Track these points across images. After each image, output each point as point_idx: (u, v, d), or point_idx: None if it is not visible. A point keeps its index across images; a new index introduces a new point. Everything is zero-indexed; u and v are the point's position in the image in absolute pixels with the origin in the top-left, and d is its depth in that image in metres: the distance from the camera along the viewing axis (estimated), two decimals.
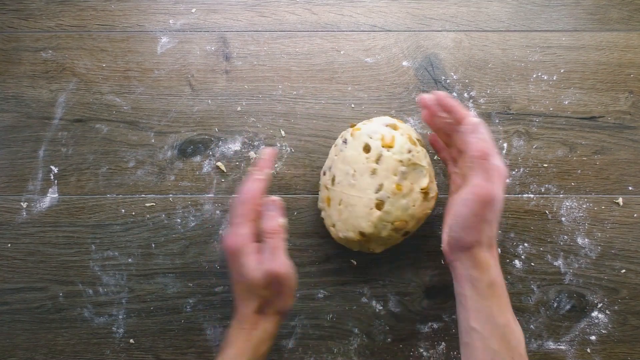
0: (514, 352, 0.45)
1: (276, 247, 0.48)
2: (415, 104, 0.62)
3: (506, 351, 0.44)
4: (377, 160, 0.52)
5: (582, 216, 0.61)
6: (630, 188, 0.61)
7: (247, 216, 0.48)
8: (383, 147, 0.52)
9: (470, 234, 0.46)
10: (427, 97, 0.52)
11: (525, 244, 0.60)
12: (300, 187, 0.61)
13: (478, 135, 0.47)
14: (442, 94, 0.51)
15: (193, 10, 0.63)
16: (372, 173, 0.52)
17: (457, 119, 0.50)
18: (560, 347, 0.59)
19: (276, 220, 0.48)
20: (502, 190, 0.46)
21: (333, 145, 0.57)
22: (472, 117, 0.49)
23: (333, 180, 0.55)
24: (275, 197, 0.50)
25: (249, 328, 0.48)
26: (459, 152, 0.52)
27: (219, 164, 0.61)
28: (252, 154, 0.55)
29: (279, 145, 0.61)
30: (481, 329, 0.45)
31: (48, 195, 0.60)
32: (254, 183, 0.49)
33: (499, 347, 0.44)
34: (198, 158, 0.61)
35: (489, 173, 0.46)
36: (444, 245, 0.50)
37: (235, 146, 0.61)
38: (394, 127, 0.54)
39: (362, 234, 0.53)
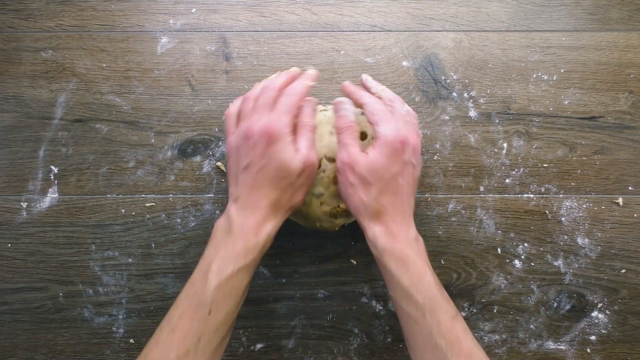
0: (423, 308, 0.45)
1: (312, 139, 0.49)
2: (415, 104, 0.62)
3: (416, 310, 0.45)
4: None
5: (582, 216, 0.61)
6: (630, 188, 0.61)
7: (292, 109, 0.48)
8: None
9: (348, 203, 0.49)
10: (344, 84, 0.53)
11: (525, 244, 0.60)
12: None
13: (339, 112, 0.51)
14: (345, 83, 0.53)
15: (193, 10, 0.63)
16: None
17: (357, 104, 0.52)
18: (560, 347, 0.59)
19: (312, 117, 0.50)
20: (350, 155, 0.48)
21: None
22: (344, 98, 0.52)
23: None
24: (311, 97, 0.51)
25: (262, 220, 0.47)
26: None
27: (218, 164, 0.61)
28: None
29: None
30: (394, 295, 0.47)
31: (48, 195, 0.60)
32: (304, 86, 0.49)
33: (409, 307, 0.46)
34: (198, 158, 0.61)
35: (340, 142, 0.49)
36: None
37: None
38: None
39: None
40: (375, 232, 0.47)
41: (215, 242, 0.47)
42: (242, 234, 0.46)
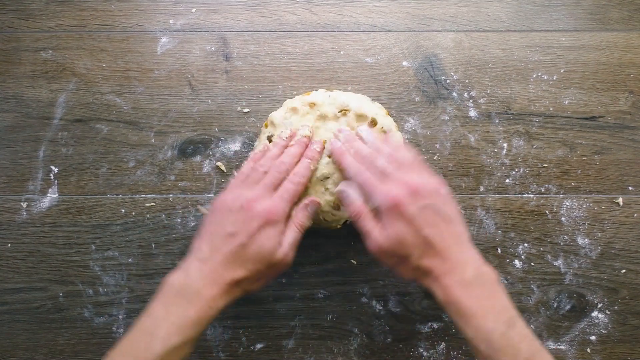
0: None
1: (297, 240, 0.50)
2: (415, 104, 0.62)
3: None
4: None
5: (582, 216, 0.61)
6: (630, 188, 0.61)
7: (294, 198, 0.50)
8: None
9: (397, 270, 0.48)
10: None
11: (525, 244, 0.60)
12: None
13: (345, 201, 0.50)
14: (333, 144, 0.53)
15: (193, 10, 0.63)
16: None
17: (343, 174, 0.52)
18: (560, 347, 0.59)
19: (307, 218, 0.51)
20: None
21: None
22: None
23: None
24: (315, 198, 0.52)
25: (220, 293, 0.45)
26: None
27: (219, 164, 0.61)
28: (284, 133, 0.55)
29: None
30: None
31: (48, 195, 0.60)
32: (308, 169, 0.51)
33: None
34: (198, 158, 0.61)
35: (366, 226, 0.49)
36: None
37: (235, 146, 0.61)
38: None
39: None
40: (436, 292, 0.45)
41: (165, 300, 0.45)
42: (197, 302, 0.44)
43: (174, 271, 0.47)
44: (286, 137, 0.53)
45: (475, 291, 0.44)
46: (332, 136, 0.54)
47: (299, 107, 0.56)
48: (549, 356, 0.43)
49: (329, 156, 0.54)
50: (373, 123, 0.55)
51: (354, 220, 0.49)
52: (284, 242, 0.48)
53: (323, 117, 0.55)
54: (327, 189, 0.54)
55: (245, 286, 0.48)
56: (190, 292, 0.45)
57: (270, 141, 0.56)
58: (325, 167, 0.54)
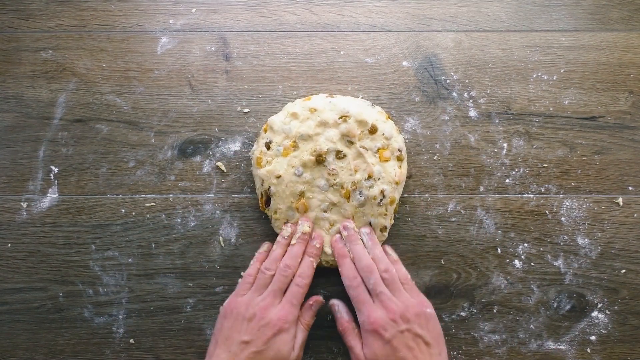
0: None
1: (305, 339, 0.53)
2: (415, 104, 0.62)
3: None
4: None
5: (582, 216, 0.61)
6: (630, 188, 0.61)
7: (301, 299, 0.53)
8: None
9: None
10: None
11: (525, 244, 0.60)
12: None
13: (336, 315, 0.56)
14: (336, 247, 0.56)
15: (193, 10, 0.63)
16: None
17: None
18: (560, 347, 0.59)
19: (313, 317, 0.55)
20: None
21: None
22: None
23: None
24: (319, 297, 0.56)
25: None
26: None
27: (219, 164, 0.61)
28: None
29: None
30: None
31: (48, 195, 0.60)
32: (312, 269, 0.55)
33: None
34: (198, 158, 0.61)
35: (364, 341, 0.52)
36: None
37: (235, 146, 0.61)
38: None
39: None
40: None
41: None
42: None
43: None
44: (287, 236, 0.56)
45: None
46: (332, 145, 0.55)
47: (299, 112, 0.56)
48: None
49: (332, 185, 0.56)
50: (373, 129, 0.56)
51: (341, 335, 0.54)
52: (295, 346, 0.52)
53: (323, 124, 0.56)
54: (332, 225, 0.57)
55: None
56: None
57: (268, 148, 0.56)
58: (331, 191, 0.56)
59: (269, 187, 0.56)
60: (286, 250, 0.56)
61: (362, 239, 0.56)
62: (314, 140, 0.56)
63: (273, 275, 0.54)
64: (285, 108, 0.58)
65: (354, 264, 0.55)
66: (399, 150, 0.57)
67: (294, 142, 0.56)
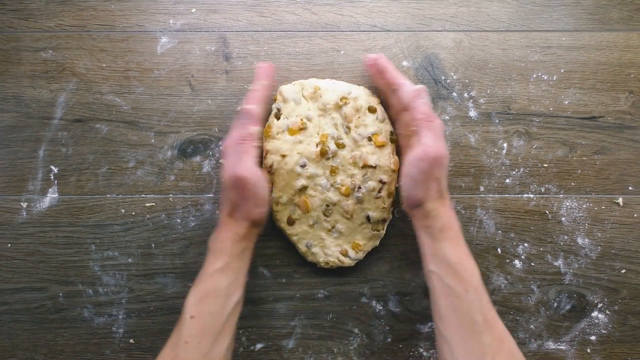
0: (468, 284, 0.47)
1: (244, 152, 0.52)
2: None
3: (460, 285, 0.47)
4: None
5: (582, 216, 0.61)
6: (630, 188, 0.61)
7: (242, 123, 0.53)
8: None
9: (420, 191, 0.51)
10: (371, 56, 0.57)
11: (525, 244, 0.60)
12: None
13: (422, 99, 0.53)
14: (379, 56, 0.56)
15: (193, 10, 0.63)
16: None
17: (389, 82, 0.55)
18: (560, 347, 0.59)
19: (247, 128, 0.52)
20: (446, 147, 0.51)
21: None
22: (411, 85, 0.54)
23: None
24: (250, 106, 0.53)
25: (223, 231, 0.51)
26: (396, 112, 0.57)
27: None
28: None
29: None
30: (437, 270, 0.49)
31: (48, 195, 0.60)
32: (252, 92, 0.54)
33: (454, 282, 0.48)
34: (198, 158, 0.61)
35: (435, 133, 0.51)
36: (403, 203, 0.53)
37: None
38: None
39: None
40: (440, 211, 0.50)
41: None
42: (214, 242, 0.52)
43: None
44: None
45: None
46: (333, 129, 0.57)
47: (306, 85, 0.58)
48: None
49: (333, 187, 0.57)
50: (372, 109, 0.57)
51: (427, 119, 0.52)
52: (233, 162, 0.52)
53: (324, 108, 0.57)
54: (333, 227, 0.57)
55: (237, 215, 0.51)
56: (210, 238, 0.53)
57: (277, 117, 0.57)
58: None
59: (272, 163, 0.56)
60: None
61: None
62: (317, 124, 0.57)
63: None
64: (295, 82, 0.59)
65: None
66: (391, 132, 0.58)
67: (302, 121, 0.57)
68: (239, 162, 0.51)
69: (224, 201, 0.52)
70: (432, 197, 0.50)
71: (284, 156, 0.56)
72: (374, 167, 0.56)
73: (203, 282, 0.49)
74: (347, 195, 0.56)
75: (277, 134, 0.56)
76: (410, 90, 0.53)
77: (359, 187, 0.56)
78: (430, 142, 0.50)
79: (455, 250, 0.49)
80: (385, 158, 0.56)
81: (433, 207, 0.50)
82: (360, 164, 0.56)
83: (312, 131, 0.57)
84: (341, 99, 0.57)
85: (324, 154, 0.56)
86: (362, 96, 0.58)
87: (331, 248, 0.57)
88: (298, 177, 0.56)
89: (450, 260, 0.48)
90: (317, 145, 0.56)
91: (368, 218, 0.57)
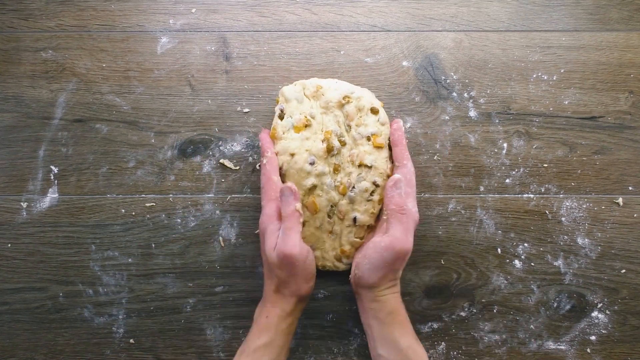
0: None
1: (290, 228, 0.50)
2: (415, 104, 0.62)
3: None
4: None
5: (582, 216, 0.61)
6: (630, 188, 0.61)
7: (269, 197, 0.53)
8: None
9: (375, 277, 0.51)
10: (395, 125, 0.57)
11: (525, 244, 0.60)
12: None
13: (398, 190, 0.53)
14: (399, 127, 0.56)
15: (193, 10, 0.63)
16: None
17: (394, 156, 0.56)
18: (560, 347, 0.59)
19: (292, 205, 0.51)
20: (411, 242, 0.51)
21: None
22: (410, 167, 0.54)
23: None
24: (290, 183, 0.52)
25: (269, 306, 0.52)
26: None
27: (225, 161, 0.61)
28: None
29: None
30: (387, 354, 0.50)
31: (48, 195, 0.60)
32: (264, 167, 0.54)
33: None
34: (198, 158, 0.61)
35: (405, 227, 0.51)
36: (351, 277, 0.54)
37: (235, 146, 0.61)
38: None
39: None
40: (389, 297, 0.52)
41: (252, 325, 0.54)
42: (259, 318, 0.52)
43: None
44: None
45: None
46: (335, 126, 0.57)
47: (307, 85, 0.58)
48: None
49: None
50: (375, 110, 0.57)
51: (398, 211, 0.52)
52: (278, 240, 0.51)
53: (326, 106, 0.57)
54: (331, 231, 0.57)
55: (284, 291, 0.52)
56: (256, 312, 0.54)
57: (281, 118, 0.57)
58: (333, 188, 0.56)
59: (282, 164, 0.56)
60: None
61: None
62: (320, 121, 0.57)
63: None
64: (297, 82, 0.59)
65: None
66: (389, 138, 0.57)
67: (307, 118, 0.56)
68: (287, 239, 0.50)
69: (270, 276, 0.52)
70: (385, 285, 0.52)
71: (293, 155, 0.56)
72: (370, 167, 0.56)
73: (246, 356, 0.50)
74: (343, 194, 0.56)
75: (283, 133, 0.56)
76: (390, 179, 0.54)
77: (353, 187, 0.56)
78: (398, 235, 0.51)
79: (404, 335, 0.51)
80: (382, 160, 0.56)
81: (383, 294, 0.51)
82: (357, 163, 0.56)
83: (317, 128, 0.57)
84: (344, 98, 0.57)
85: (330, 150, 0.56)
86: (366, 96, 0.57)
87: (329, 252, 0.57)
88: (308, 175, 0.55)
89: (400, 345, 0.49)
90: (322, 142, 0.56)
91: (354, 220, 0.56)
